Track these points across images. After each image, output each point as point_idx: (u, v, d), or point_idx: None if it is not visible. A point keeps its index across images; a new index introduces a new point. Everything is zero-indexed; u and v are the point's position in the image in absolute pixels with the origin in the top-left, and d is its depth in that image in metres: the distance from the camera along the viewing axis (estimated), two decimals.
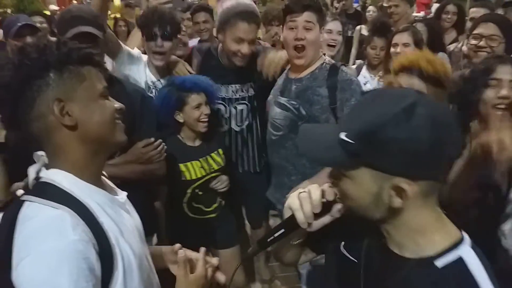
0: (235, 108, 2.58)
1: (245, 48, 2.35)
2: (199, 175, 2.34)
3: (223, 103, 2.57)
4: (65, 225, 0.92)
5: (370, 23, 3.71)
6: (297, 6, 2.15)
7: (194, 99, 2.23)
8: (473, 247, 0.90)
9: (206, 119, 2.26)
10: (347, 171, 0.90)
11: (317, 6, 2.18)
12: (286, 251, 1.22)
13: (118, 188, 1.22)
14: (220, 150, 2.41)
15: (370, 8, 5.50)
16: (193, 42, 3.44)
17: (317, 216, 1.01)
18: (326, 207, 1.01)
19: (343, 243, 1.09)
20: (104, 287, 0.97)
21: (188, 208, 2.39)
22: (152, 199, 2.31)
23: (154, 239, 2.37)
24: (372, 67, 3.34)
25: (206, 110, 2.25)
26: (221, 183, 2.37)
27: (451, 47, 3.66)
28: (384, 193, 0.87)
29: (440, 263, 0.88)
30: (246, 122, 2.60)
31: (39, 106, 1.00)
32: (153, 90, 2.46)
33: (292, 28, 2.18)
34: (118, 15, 6.36)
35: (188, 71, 2.56)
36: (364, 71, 3.37)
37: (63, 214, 0.94)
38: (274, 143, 2.36)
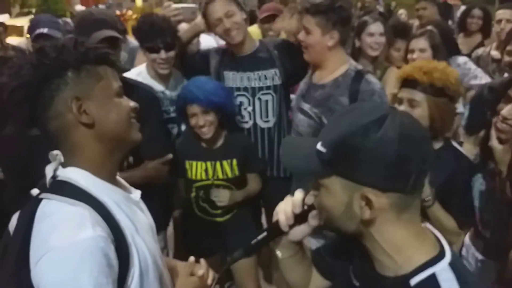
0: (260, 99, 2.45)
1: (227, 23, 2.29)
2: (199, 177, 2.32)
3: (246, 94, 2.46)
4: (85, 221, 0.93)
5: (392, 26, 3.66)
6: (302, 10, 2.14)
7: (189, 109, 2.22)
8: (452, 264, 0.89)
9: (204, 128, 2.21)
10: (321, 181, 0.92)
11: (319, 9, 2.07)
12: (291, 271, 1.21)
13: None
14: (235, 161, 2.31)
15: (402, 11, 5.42)
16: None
17: (298, 221, 1.04)
18: (306, 213, 1.04)
19: (351, 266, 1.09)
20: (121, 283, 0.98)
21: (196, 206, 2.38)
22: (164, 193, 2.33)
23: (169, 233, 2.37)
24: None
25: (201, 120, 2.19)
26: (220, 197, 2.28)
27: (479, 51, 3.61)
28: (355, 204, 0.88)
29: (414, 281, 0.88)
30: (274, 119, 2.47)
31: (58, 105, 1.02)
32: (164, 101, 2.48)
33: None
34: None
35: None
36: None
37: (82, 211, 0.96)
38: None
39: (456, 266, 0.89)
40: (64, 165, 1.07)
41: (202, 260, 1.32)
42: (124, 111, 1.09)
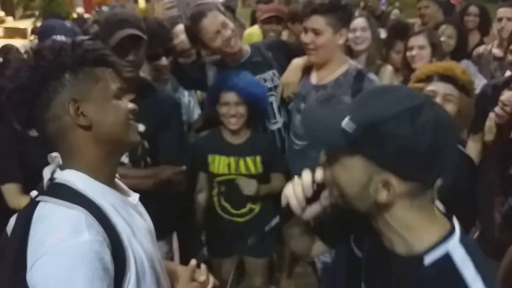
0: None
1: (226, 33, 2.25)
2: (221, 172, 2.31)
3: None
4: (80, 225, 0.93)
5: (391, 27, 3.64)
6: (306, 10, 2.10)
7: (223, 96, 2.22)
8: (462, 240, 0.90)
9: (233, 118, 2.22)
10: (342, 157, 0.91)
11: (330, 8, 2.06)
12: (296, 240, 1.24)
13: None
14: (258, 158, 2.31)
15: (396, 11, 5.37)
16: None
17: (309, 201, 1.05)
18: (317, 193, 1.04)
19: (352, 237, 1.12)
20: (117, 287, 0.97)
21: (218, 204, 2.39)
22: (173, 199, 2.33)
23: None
24: (395, 71, 3.26)
25: (233, 110, 2.20)
26: (247, 186, 2.29)
27: (480, 49, 3.60)
28: (372, 185, 0.88)
29: (428, 260, 0.89)
30: (282, 119, 2.44)
31: (55, 107, 1.01)
32: None
33: (305, 31, 2.14)
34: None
35: None
36: None
37: (78, 214, 0.95)
38: (297, 153, 2.28)
39: (466, 242, 0.90)
40: (62, 167, 1.07)
41: (203, 266, 1.32)
42: (122, 112, 1.09)
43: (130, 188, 1.23)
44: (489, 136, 1.84)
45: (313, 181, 1.04)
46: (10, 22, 17.16)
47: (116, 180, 1.17)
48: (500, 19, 3.42)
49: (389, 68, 3.10)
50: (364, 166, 0.87)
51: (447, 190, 1.64)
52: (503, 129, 1.83)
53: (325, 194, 1.03)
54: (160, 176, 1.96)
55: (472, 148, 2.36)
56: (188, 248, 2.88)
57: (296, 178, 1.07)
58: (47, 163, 1.08)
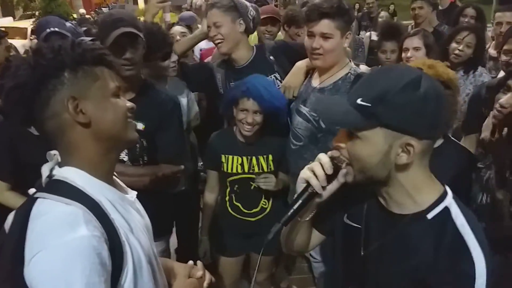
0: None
1: (212, 32, 2.39)
2: (234, 171, 2.34)
3: None
4: (78, 221, 0.94)
5: (379, 27, 3.67)
6: (313, 15, 2.07)
7: (243, 102, 2.20)
8: (454, 198, 1.07)
9: (249, 126, 2.21)
10: (360, 132, 1.01)
11: (338, 11, 2.05)
12: (294, 239, 1.30)
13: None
14: (271, 156, 2.34)
15: (383, 13, 5.39)
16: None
17: (329, 181, 1.12)
18: (335, 172, 1.11)
19: (346, 214, 1.23)
20: (114, 282, 0.98)
21: (229, 204, 2.41)
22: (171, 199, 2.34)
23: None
24: None
25: (250, 118, 2.19)
26: (265, 181, 2.31)
27: None
28: (392, 151, 1.00)
29: (430, 215, 1.05)
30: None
31: (54, 105, 1.03)
32: None
33: (311, 36, 2.11)
34: (142, 18, 6.46)
35: None
36: None
37: (76, 210, 0.96)
38: (293, 152, 2.30)
39: (456, 198, 1.07)
40: (61, 164, 1.08)
41: (199, 263, 1.34)
42: (121, 110, 1.10)
43: (128, 186, 1.24)
44: (485, 133, 1.86)
45: (331, 160, 1.11)
46: (10, 22, 17.16)
47: (114, 177, 1.19)
48: (499, 23, 3.42)
49: (365, 69, 3.16)
50: (384, 135, 1.00)
51: (448, 184, 1.69)
52: (499, 127, 1.85)
53: (343, 171, 1.10)
54: (158, 174, 1.97)
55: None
56: (187, 248, 2.90)
57: (311, 162, 1.14)
58: (42, 161, 1.09)
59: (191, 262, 1.34)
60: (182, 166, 2.10)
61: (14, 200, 1.96)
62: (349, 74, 2.15)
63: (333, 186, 1.14)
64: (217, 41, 2.41)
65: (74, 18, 12.12)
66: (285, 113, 2.33)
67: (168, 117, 2.06)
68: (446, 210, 1.05)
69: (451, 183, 1.76)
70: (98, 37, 1.91)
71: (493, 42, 3.57)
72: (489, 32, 4.31)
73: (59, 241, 0.90)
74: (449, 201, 1.06)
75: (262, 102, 2.16)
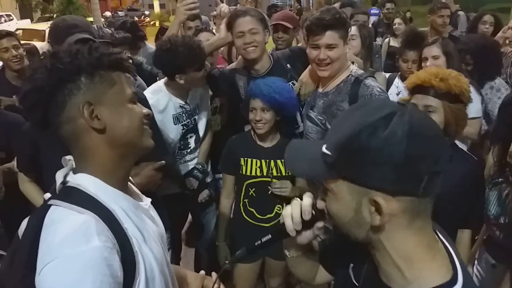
0: None
1: (248, 38, 2.41)
2: (253, 174, 2.36)
3: None
4: (90, 231, 0.92)
5: (403, 35, 3.64)
6: (318, 28, 2.11)
7: (251, 102, 2.30)
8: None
9: (259, 123, 2.28)
10: (328, 185, 0.88)
11: (340, 21, 2.13)
12: (297, 266, 1.24)
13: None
14: None
15: (396, 20, 5.35)
16: None
17: (305, 227, 1.03)
18: (314, 219, 1.03)
19: (351, 265, 1.08)
20: None
21: (244, 209, 2.43)
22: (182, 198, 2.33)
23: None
24: (405, 79, 3.25)
25: (258, 115, 2.26)
26: (281, 187, 2.34)
27: None
28: (364, 209, 0.83)
29: None
30: (302, 124, 2.52)
31: (70, 109, 1.01)
32: (184, 115, 2.58)
33: (315, 48, 2.16)
34: (157, 23, 6.53)
35: None
36: (397, 80, 3.28)
37: (89, 219, 0.94)
38: None
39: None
40: (75, 170, 1.07)
41: (214, 274, 1.31)
42: (137, 117, 1.08)
43: None
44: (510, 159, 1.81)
45: (313, 206, 1.02)
46: (28, 24, 17.43)
47: (129, 184, 1.17)
48: None
49: (382, 75, 3.17)
50: (350, 190, 0.83)
51: (455, 193, 1.65)
52: None
53: (319, 224, 1.03)
54: (143, 173, 1.97)
55: (490, 162, 2.32)
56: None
57: (296, 200, 1.05)
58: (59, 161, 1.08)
59: (203, 272, 1.33)
60: (164, 162, 2.08)
61: (34, 192, 2.08)
62: (350, 76, 2.21)
63: (309, 235, 1.05)
64: (251, 47, 2.44)
65: (92, 22, 12.26)
66: (293, 109, 2.37)
67: None
68: None
69: (458, 193, 1.74)
70: (49, 42, 1.93)
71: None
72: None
73: (70, 251, 0.88)
74: None
75: (264, 98, 2.23)
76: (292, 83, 2.50)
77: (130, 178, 1.18)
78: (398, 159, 0.77)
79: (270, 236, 1.10)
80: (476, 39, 3.26)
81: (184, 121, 2.59)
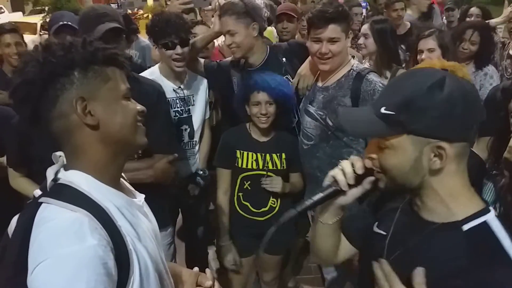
0: None
1: (227, 40, 2.43)
2: (249, 166, 2.36)
3: None
4: (84, 229, 0.90)
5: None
6: (321, 21, 2.08)
7: (255, 96, 2.27)
8: (497, 216, 1.00)
9: (264, 117, 2.27)
10: (388, 142, 1.00)
11: (342, 15, 2.11)
12: (322, 240, 1.28)
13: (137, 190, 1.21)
14: (284, 155, 2.38)
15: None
16: None
17: (356, 182, 1.11)
18: (363, 176, 1.10)
19: (376, 223, 1.19)
20: None
21: (238, 203, 2.43)
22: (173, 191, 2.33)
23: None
24: None
25: (263, 109, 2.25)
26: (271, 183, 2.34)
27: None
28: (424, 157, 0.97)
29: (466, 226, 0.98)
30: (295, 119, 2.51)
31: (62, 104, 0.99)
32: (177, 101, 2.53)
33: (317, 41, 2.13)
34: (150, 15, 6.49)
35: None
36: None
37: (81, 217, 0.92)
38: (305, 152, 2.33)
39: (500, 220, 0.99)
40: (66, 167, 1.04)
41: (208, 271, 1.30)
42: (131, 114, 1.06)
43: (131, 182, 1.20)
44: (509, 154, 1.81)
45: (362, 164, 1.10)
46: (19, 17, 17.24)
47: (122, 181, 1.15)
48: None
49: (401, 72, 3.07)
50: (413, 142, 0.97)
51: None
52: None
53: (370, 179, 1.10)
54: (158, 166, 1.99)
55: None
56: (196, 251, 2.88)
57: (344, 161, 1.13)
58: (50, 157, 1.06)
59: (196, 268, 1.31)
60: (176, 154, 2.11)
61: (27, 184, 2.05)
62: (352, 70, 2.19)
63: (358, 190, 1.13)
64: (232, 49, 2.45)
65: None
66: (293, 102, 2.37)
67: (155, 107, 2.06)
68: (485, 224, 0.98)
69: None
70: (79, 31, 1.93)
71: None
72: (500, 33, 4.30)
73: (63, 251, 0.87)
74: (491, 217, 0.99)
75: (272, 91, 2.23)
76: (287, 77, 2.46)
77: (122, 174, 1.16)
78: (457, 110, 0.93)
79: (321, 194, 1.13)
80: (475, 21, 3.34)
81: (177, 108, 2.54)
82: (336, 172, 1.12)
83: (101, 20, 1.90)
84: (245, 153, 2.36)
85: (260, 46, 2.50)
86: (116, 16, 2.01)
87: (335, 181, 1.12)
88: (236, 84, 2.60)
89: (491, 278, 0.90)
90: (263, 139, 2.38)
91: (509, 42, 3.63)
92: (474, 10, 4.02)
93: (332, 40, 2.09)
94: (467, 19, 4.00)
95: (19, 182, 2.09)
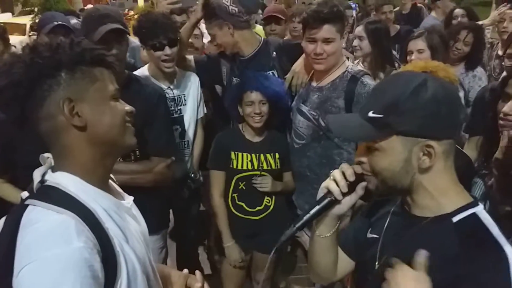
0: None
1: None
2: (244, 167, 2.36)
3: None
4: (70, 232, 0.90)
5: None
6: (315, 21, 2.08)
7: (247, 96, 2.27)
8: (486, 211, 1.04)
9: (258, 116, 2.27)
10: (378, 144, 1.03)
11: (337, 15, 2.10)
12: (320, 256, 1.28)
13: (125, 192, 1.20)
14: (277, 154, 2.39)
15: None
16: None
17: (350, 189, 1.12)
18: (356, 182, 1.12)
19: (369, 229, 1.22)
20: None
21: (232, 204, 2.42)
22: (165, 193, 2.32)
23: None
24: None
25: (257, 108, 2.25)
26: (262, 182, 2.35)
27: None
28: (414, 157, 1.01)
29: (456, 218, 1.02)
30: None
31: (49, 106, 0.98)
32: (168, 101, 2.49)
33: (312, 42, 2.13)
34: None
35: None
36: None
37: (68, 220, 0.91)
38: (296, 151, 2.33)
39: (488, 213, 1.04)
40: (54, 169, 1.03)
41: (198, 273, 1.29)
42: (119, 114, 1.06)
43: (128, 184, 1.19)
44: (500, 155, 1.83)
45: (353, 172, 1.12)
46: (9, 18, 17.06)
47: (111, 183, 1.14)
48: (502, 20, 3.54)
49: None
50: (402, 143, 1.01)
51: None
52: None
53: (362, 184, 1.12)
54: (157, 170, 1.99)
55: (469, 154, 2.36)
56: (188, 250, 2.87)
57: (333, 171, 1.15)
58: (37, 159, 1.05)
59: (186, 270, 1.31)
60: (173, 158, 2.11)
61: (9, 190, 1.96)
62: (346, 72, 2.18)
63: (352, 198, 1.14)
64: (220, 50, 2.52)
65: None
66: (286, 100, 2.37)
67: (155, 110, 2.07)
68: (474, 215, 1.02)
69: None
70: (81, 31, 1.92)
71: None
72: (488, 33, 4.34)
73: (49, 253, 0.86)
74: (479, 209, 1.04)
75: (265, 90, 2.23)
76: (273, 72, 2.46)
77: (111, 176, 1.15)
78: (442, 109, 0.98)
79: (317, 206, 1.14)
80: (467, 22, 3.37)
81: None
82: (328, 183, 1.14)
83: (103, 21, 1.90)
84: (240, 154, 2.36)
85: (248, 38, 2.49)
86: (119, 17, 2.00)
87: (328, 191, 1.14)
88: (225, 74, 2.60)
89: (481, 265, 0.93)
90: (256, 139, 2.39)
91: (498, 43, 3.66)
92: (458, 11, 4.01)
93: (327, 41, 2.09)
94: (453, 21, 4.01)
95: (1, 188, 2.02)
